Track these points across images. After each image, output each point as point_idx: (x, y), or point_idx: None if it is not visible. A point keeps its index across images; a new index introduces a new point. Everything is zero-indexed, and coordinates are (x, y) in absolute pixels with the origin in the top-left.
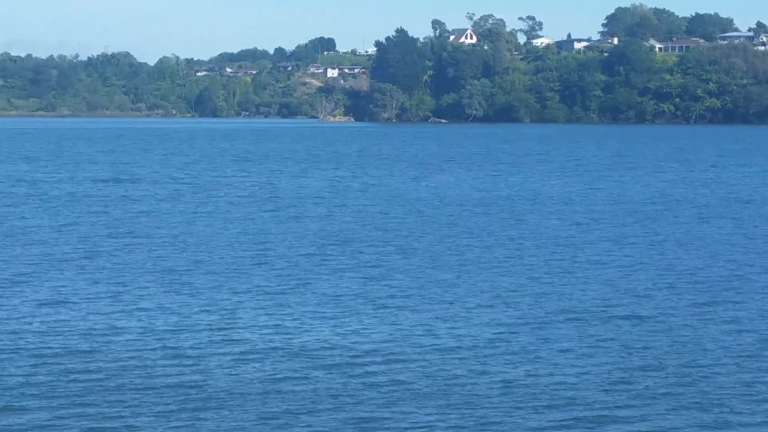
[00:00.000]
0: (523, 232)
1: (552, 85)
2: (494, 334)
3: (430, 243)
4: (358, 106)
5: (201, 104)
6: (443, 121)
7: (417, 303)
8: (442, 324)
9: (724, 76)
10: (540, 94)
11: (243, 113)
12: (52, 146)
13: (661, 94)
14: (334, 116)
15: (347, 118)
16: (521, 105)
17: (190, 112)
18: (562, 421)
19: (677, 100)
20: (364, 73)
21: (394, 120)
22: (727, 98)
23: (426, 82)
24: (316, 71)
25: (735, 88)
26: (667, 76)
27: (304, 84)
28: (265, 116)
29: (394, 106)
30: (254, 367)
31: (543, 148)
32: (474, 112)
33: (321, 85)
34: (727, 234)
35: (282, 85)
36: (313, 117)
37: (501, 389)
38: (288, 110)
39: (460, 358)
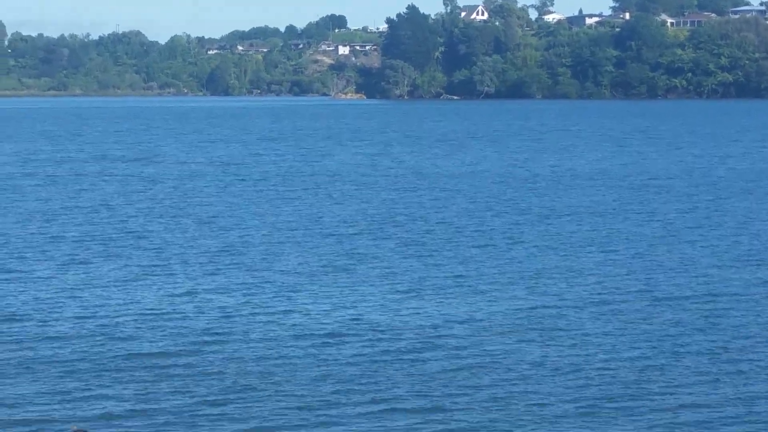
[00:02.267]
0: (561, 208)
1: (564, 60)
2: (533, 312)
3: (472, 221)
4: (370, 83)
5: (212, 83)
6: (455, 97)
7: (456, 283)
8: (479, 304)
9: (736, 51)
10: (552, 70)
11: (254, 91)
12: (76, 126)
13: (673, 69)
14: (346, 94)
15: (359, 95)
16: (533, 81)
17: (201, 91)
18: (595, 399)
19: (689, 74)
20: (375, 50)
21: (405, 97)
22: (739, 72)
23: (437, 58)
24: (328, 49)
25: (747, 62)
26: (679, 51)
27: (316, 62)
28: (277, 94)
29: (405, 83)
30: (310, 348)
31: (562, 123)
32: (486, 88)
33: (332, 62)
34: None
35: (293, 62)
36: (325, 95)
37: (542, 369)
38: (299, 88)
39: (493, 337)
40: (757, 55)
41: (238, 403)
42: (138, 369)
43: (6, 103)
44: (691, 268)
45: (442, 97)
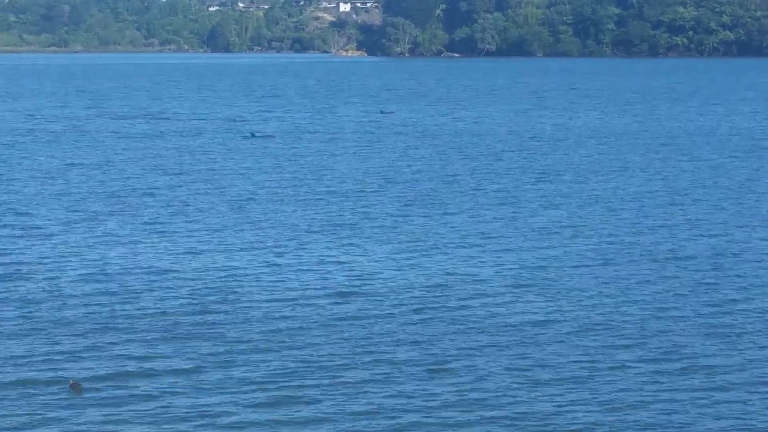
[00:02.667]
0: (565, 167)
1: (565, 18)
2: (536, 271)
3: (476, 179)
4: (371, 40)
5: (213, 39)
6: (456, 55)
7: (461, 242)
8: (482, 262)
9: (737, 9)
10: (553, 28)
11: (255, 48)
12: (80, 82)
13: (674, 27)
14: (347, 51)
15: (360, 52)
16: (534, 39)
17: (202, 48)
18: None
19: (690, 33)
20: (376, 7)
21: (406, 54)
22: (741, 31)
23: (438, 16)
24: (329, 6)
25: (749, 20)
26: (681, 9)
27: (317, 19)
28: (277, 51)
29: (406, 40)
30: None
31: (566, 81)
32: (487, 46)
33: (333, 19)
34: None
35: (294, 19)
36: (326, 52)
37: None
38: (300, 45)
39: (497, 295)
40: (759, 13)
41: (241, 363)
42: (143, 328)
43: (6, 59)
44: (696, 227)
45: (443, 54)
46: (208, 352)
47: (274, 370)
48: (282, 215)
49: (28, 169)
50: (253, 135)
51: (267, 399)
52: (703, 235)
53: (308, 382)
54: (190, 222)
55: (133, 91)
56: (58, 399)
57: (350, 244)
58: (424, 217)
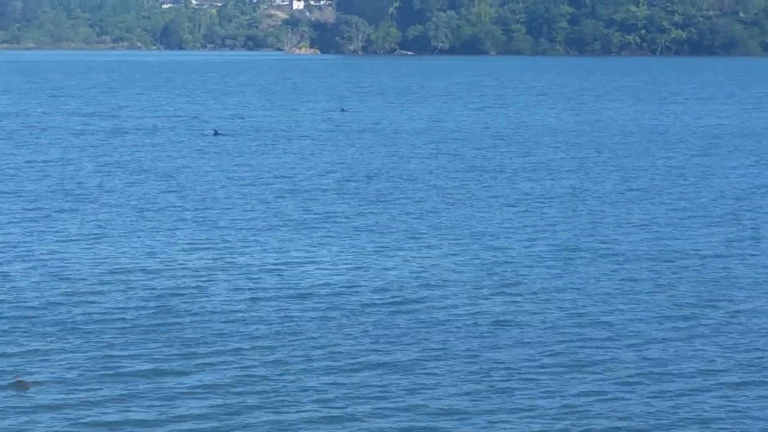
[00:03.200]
0: (522, 164)
1: (518, 17)
2: (494, 269)
3: (434, 177)
4: (324, 38)
5: (166, 37)
6: (409, 53)
7: (419, 240)
8: (440, 260)
9: (689, 8)
10: (506, 27)
11: (208, 45)
12: (34, 80)
13: (626, 25)
14: (300, 48)
15: (313, 50)
16: (487, 37)
17: (155, 45)
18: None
19: (643, 31)
20: (330, 5)
21: (360, 52)
22: (693, 30)
23: (392, 14)
24: (282, 3)
25: (701, 19)
26: (633, 8)
27: (270, 16)
28: (231, 49)
29: (360, 38)
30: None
31: (519, 80)
32: (440, 44)
33: (287, 17)
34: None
35: (247, 17)
36: (279, 49)
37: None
38: (254, 43)
39: (453, 294)
40: (710, 12)
41: (199, 365)
42: (99, 327)
43: None
44: (650, 225)
45: (396, 52)
46: (166, 353)
47: (233, 370)
48: (242, 213)
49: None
50: (216, 133)
51: (225, 400)
52: (659, 234)
53: (263, 381)
54: (149, 220)
55: (88, 89)
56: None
57: (310, 243)
58: (383, 215)
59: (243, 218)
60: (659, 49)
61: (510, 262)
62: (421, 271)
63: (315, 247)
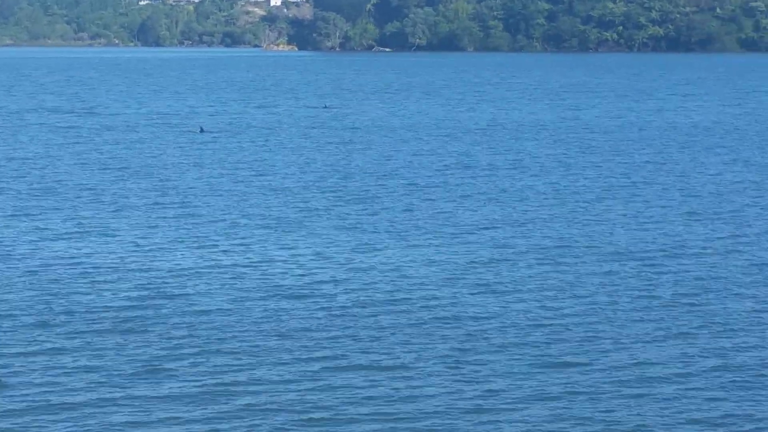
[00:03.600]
0: (505, 161)
1: (495, 13)
2: (480, 265)
3: (417, 175)
4: (302, 35)
5: (143, 33)
6: (387, 50)
7: (404, 238)
8: (427, 258)
9: (666, 4)
10: (483, 23)
11: (186, 42)
12: (10, 77)
13: (604, 22)
14: (278, 45)
15: (290, 47)
16: (465, 34)
17: (132, 42)
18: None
19: (620, 28)
20: (307, 2)
21: (337, 49)
22: (670, 26)
23: (369, 11)
24: (260, 0)
25: (678, 16)
26: (610, 5)
27: (248, 13)
28: (208, 45)
29: (337, 35)
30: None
31: (498, 76)
32: (417, 41)
33: (264, 14)
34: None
35: (225, 14)
36: (256, 46)
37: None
38: (231, 39)
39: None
40: (687, 9)
41: (184, 360)
42: (78, 326)
43: None
44: (633, 222)
45: (374, 49)
46: (148, 352)
47: (218, 370)
48: (225, 211)
49: None
50: (202, 130)
51: (205, 399)
52: (642, 231)
53: (249, 380)
54: (130, 218)
55: (67, 86)
56: None
57: (293, 240)
58: (366, 212)
59: (226, 216)
60: (636, 45)
61: (494, 259)
62: (404, 269)
63: (298, 244)
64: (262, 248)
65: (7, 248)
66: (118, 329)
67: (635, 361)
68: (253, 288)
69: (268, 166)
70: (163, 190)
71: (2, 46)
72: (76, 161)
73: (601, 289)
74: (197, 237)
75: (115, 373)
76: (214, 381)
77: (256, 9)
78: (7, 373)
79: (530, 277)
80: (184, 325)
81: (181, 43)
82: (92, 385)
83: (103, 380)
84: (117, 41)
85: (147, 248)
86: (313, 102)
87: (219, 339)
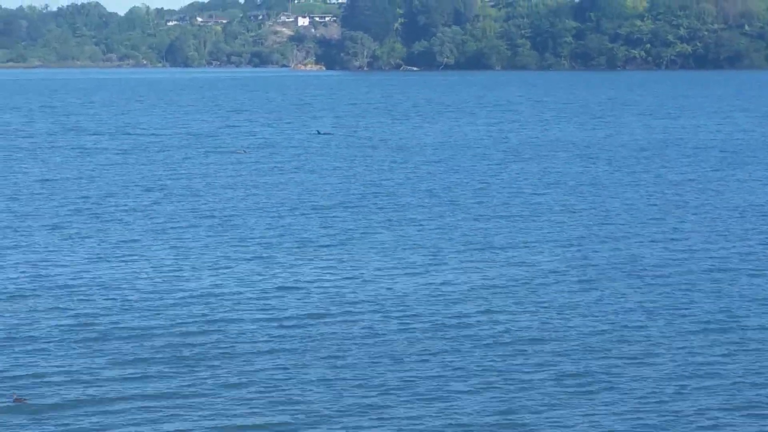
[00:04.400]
0: (545, 178)
1: (523, 32)
2: (513, 283)
3: (454, 193)
4: (329, 54)
5: (172, 54)
6: (414, 69)
7: (438, 256)
8: (459, 276)
9: (694, 21)
10: (511, 41)
11: (214, 63)
12: (45, 98)
13: (632, 39)
14: (305, 65)
15: (318, 66)
16: (492, 52)
17: (161, 62)
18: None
19: (648, 45)
20: (334, 21)
21: (365, 68)
22: (698, 43)
23: (397, 29)
24: (287, 20)
25: (706, 33)
26: (638, 22)
27: (275, 33)
28: (236, 66)
29: (365, 54)
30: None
31: (530, 94)
32: (445, 59)
33: (292, 33)
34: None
35: (253, 34)
36: (284, 66)
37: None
38: (259, 59)
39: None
40: (715, 25)
41: (212, 380)
42: (114, 347)
43: None
44: (669, 240)
45: (401, 68)
46: (174, 374)
47: (255, 391)
48: (263, 232)
49: (10, 186)
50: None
51: (244, 421)
52: (677, 249)
53: (285, 400)
54: (168, 239)
55: (100, 106)
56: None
57: (326, 261)
58: (400, 231)
59: (264, 236)
60: (664, 63)
61: (530, 278)
62: (440, 287)
63: (332, 265)
64: (300, 270)
65: (46, 270)
66: (158, 354)
67: (672, 379)
68: (291, 309)
69: (306, 186)
70: (203, 211)
71: (31, 68)
72: (115, 182)
73: (641, 306)
74: (236, 258)
75: (156, 398)
76: (257, 404)
77: (284, 29)
78: (49, 394)
79: (572, 294)
80: (225, 348)
81: (209, 64)
82: (132, 410)
83: (144, 405)
84: (145, 62)
85: (186, 270)
86: (350, 122)
87: (261, 360)
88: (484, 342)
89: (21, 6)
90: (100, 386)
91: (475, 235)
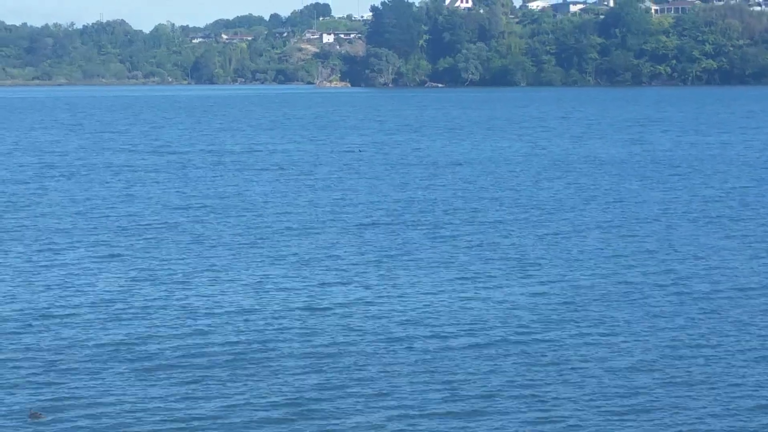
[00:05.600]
0: (585, 195)
1: (548, 48)
2: (561, 303)
3: (494, 210)
4: (354, 71)
5: (197, 71)
6: (439, 85)
7: (485, 274)
8: (508, 294)
9: (720, 37)
10: (536, 58)
11: (239, 80)
12: (73, 116)
13: (657, 55)
14: (331, 82)
15: (343, 83)
16: (517, 69)
17: (186, 80)
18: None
19: (673, 61)
20: (360, 38)
21: (390, 85)
22: (724, 59)
23: (422, 46)
24: (312, 37)
25: (731, 49)
26: (663, 38)
27: (300, 50)
28: (261, 83)
29: (390, 71)
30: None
31: (561, 111)
32: (470, 76)
33: (317, 50)
34: None
35: (278, 51)
36: (310, 83)
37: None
38: (284, 76)
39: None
40: (741, 41)
41: (280, 403)
42: (175, 368)
43: None
44: (717, 258)
45: (426, 84)
46: (237, 395)
47: (287, 415)
48: (305, 249)
49: (48, 204)
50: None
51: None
52: (723, 267)
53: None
54: (213, 257)
55: (134, 124)
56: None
57: (372, 278)
58: (444, 248)
59: (300, 254)
60: (690, 78)
61: (572, 296)
62: (483, 308)
63: (378, 283)
64: (341, 289)
65: (93, 289)
66: (208, 375)
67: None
68: (332, 329)
69: (344, 202)
70: (240, 229)
71: (56, 86)
72: (151, 200)
73: (695, 326)
74: (282, 276)
75: (211, 420)
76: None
77: (309, 46)
78: (68, 410)
79: (611, 313)
80: (274, 367)
81: (234, 81)
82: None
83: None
84: (170, 79)
85: (220, 288)
86: (380, 138)
87: (312, 384)
88: (545, 362)
89: (47, 24)
90: (142, 409)
91: (515, 251)
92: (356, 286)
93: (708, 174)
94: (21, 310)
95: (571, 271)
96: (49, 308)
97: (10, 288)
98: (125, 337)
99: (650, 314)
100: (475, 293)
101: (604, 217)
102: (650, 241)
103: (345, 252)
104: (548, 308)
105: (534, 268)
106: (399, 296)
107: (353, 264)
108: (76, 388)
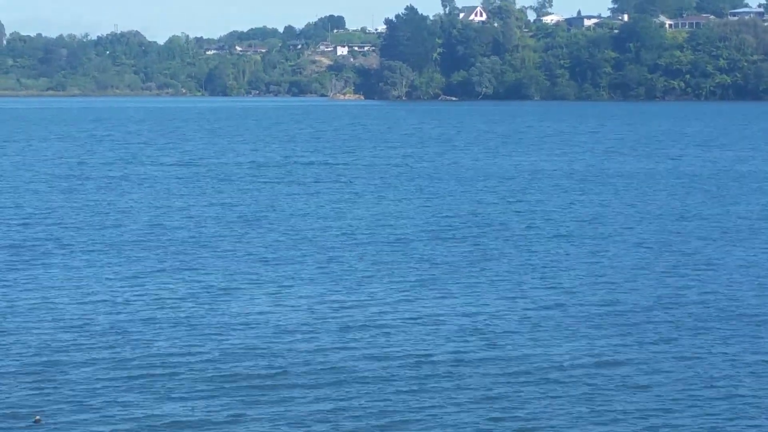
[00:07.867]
0: (616, 210)
1: (562, 62)
2: (593, 313)
3: (521, 222)
4: (368, 84)
5: (211, 83)
6: (453, 98)
7: (516, 287)
8: (541, 305)
9: (734, 53)
10: (550, 72)
11: (253, 92)
12: (92, 127)
13: (671, 70)
14: (344, 94)
15: (357, 96)
16: (531, 82)
17: (200, 91)
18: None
19: (687, 76)
20: (373, 51)
21: (404, 98)
22: (738, 74)
23: (436, 59)
24: (326, 49)
25: (745, 64)
26: (677, 53)
27: (314, 62)
28: (275, 95)
29: (404, 83)
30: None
31: (581, 126)
32: (484, 89)
33: (331, 63)
34: None
35: (292, 63)
36: (323, 95)
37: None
38: (298, 88)
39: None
40: (755, 57)
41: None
42: (215, 382)
43: (5, 102)
44: (744, 272)
45: (440, 98)
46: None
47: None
48: (329, 262)
49: (87, 215)
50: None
51: None
52: (749, 281)
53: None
54: (252, 271)
55: (156, 135)
56: None
57: (411, 297)
58: (482, 263)
59: (347, 268)
60: (704, 93)
61: (620, 311)
62: (516, 323)
63: (403, 297)
64: (382, 304)
65: (129, 305)
66: (252, 392)
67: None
68: (368, 342)
69: (374, 216)
70: (281, 241)
71: (71, 97)
72: (186, 213)
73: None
74: (321, 292)
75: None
76: None
77: (323, 58)
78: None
79: (657, 324)
80: (320, 382)
81: (248, 93)
82: None
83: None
84: (184, 91)
85: (261, 300)
86: (408, 151)
87: (336, 402)
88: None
89: (61, 35)
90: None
91: (555, 265)
92: (411, 302)
93: (738, 189)
94: (54, 320)
95: (615, 285)
96: (91, 321)
97: (57, 300)
98: (169, 351)
99: (699, 331)
100: (512, 305)
101: (645, 232)
102: (698, 254)
103: (398, 266)
104: (601, 323)
105: (575, 280)
106: (461, 314)
107: (406, 280)
108: (95, 400)
